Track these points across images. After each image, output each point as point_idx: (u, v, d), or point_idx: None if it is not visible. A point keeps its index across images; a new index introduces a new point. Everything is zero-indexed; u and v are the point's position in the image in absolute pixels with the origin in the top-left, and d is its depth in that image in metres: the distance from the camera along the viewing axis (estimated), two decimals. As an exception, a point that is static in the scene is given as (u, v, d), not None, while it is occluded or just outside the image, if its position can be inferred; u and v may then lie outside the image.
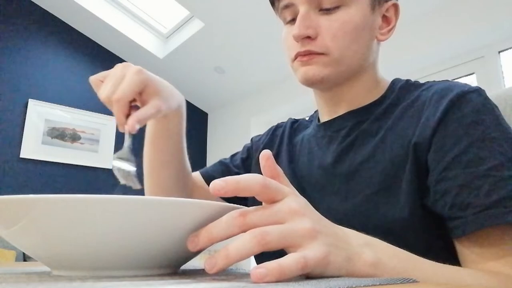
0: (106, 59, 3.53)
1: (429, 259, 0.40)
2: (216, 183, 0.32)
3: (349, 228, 0.38)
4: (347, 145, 0.59)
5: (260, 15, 2.60)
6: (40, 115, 3.16)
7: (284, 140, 0.73)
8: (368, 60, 0.61)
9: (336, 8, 0.57)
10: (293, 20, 0.60)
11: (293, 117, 0.79)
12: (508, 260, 0.44)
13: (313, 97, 0.69)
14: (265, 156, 0.37)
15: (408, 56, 2.44)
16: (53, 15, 3.35)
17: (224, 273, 0.38)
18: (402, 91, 0.60)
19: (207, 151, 4.08)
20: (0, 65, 3.05)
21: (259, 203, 0.35)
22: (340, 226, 0.37)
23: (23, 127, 3.07)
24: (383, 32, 0.61)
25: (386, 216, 0.50)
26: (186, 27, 3.25)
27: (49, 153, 3.15)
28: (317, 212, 0.36)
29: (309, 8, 0.57)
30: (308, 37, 0.57)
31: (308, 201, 0.36)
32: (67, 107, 3.28)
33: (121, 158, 0.52)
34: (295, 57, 0.59)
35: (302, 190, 0.61)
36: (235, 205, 0.35)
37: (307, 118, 0.77)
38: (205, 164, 3.60)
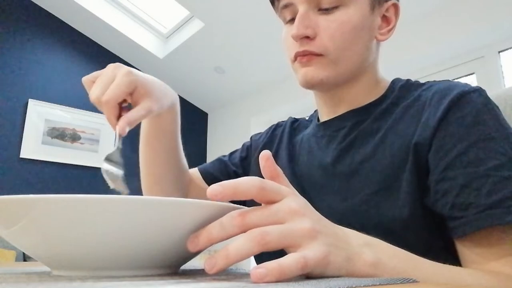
0: (106, 59, 3.53)
1: (429, 259, 0.40)
2: (213, 188, 0.32)
3: (349, 227, 0.38)
4: (347, 144, 0.59)
5: (260, 15, 2.60)
6: (40, 115, 3.16)
7: (283, 139, 0.73)
8: (367, 60, 0.61)
9: (335, 8, 0.57)
10: (292, 20, 0.60)
11: (293, 117, 0.79)
12: (508, 260, 0.44)
13: (313, 97, 0.69)
14: (265, 156, 0.37)
15: (408, 56, 2.44)
16: (53, 15, 3.35)
17: (224, 273, 0.38)
18: (403, 91, 0.60)
19: (207, 151, 4.08)
20: (0, 65, 3.05)
21: (259, 203, 0.35)
22: (340, 226, 0.37)
23: (23, 127, 3.07)
24: (382, 32, 0.61)
25: (386, 215, 0.50)
26: (186, 27, 3.25)
27: (49, 153, 3.15)
28: (317, 212, 0.36)
29: (308, 8, 0.57)
30: (307, 37, 0.57)
31: (308, 200, 0.36)
32: (67, 107, 3.28)
33: (110, 160, 0.52)
34: (295, 57, 0.59)
35: (302, 189, 0.61)
36: (235, 205, 0.35)
37: (307, 118, 0.77)
38: (205, 164, 3.59)
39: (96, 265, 0.33)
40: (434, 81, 0.60)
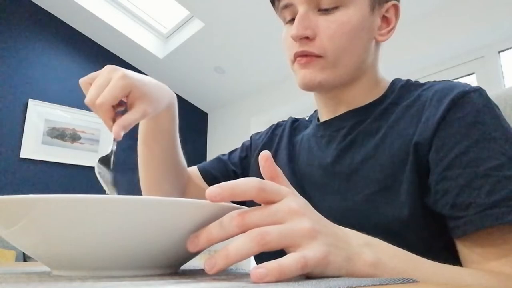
0: (106, 59, 3.53)
1: (429, 259, 0.40)
2: (212, 189, 0.32)
3: (349, 227, 0.38)
4: (347, 144, 0.59)
5: (260, 15, 2.60)
6: (40, 115, 3.16)
7: (283, 139, 0.73)
8: (366, 61, 0.60)
9: (335, 8, 0.57)
10: (292, 20, 0.60)
11: (293, 117, 0.79)
12: (509, 260, 0.44)
13: (313, 98, 0.69)
14: (264, 157, 0.37)
15: (408, 56, 2.44)
16: (53, 15, 3.35)
17: (224, 273, 0.38)
18: (403, 91, 0.60)
19: (207, 151, 4.08)
20: (0, 65, 3.05)
21: (259, 204, 0.35)
22: (340, 226, 0.37)
23: (23, 127, 3.07)
24: (382, 33, 0.61)
25: (386, 215, 0.50)
26: (186, 27, 3.25)
27: (49, 153, 3.15)
28: (317, 212, 0.36)
29: (308, 9, 0.57)
30: (306, 38, 0.57)
31: (308, 200, 0.36)
32: (67, 107, 3.28)
33: (103, 163, 0.53)
34: (294, 58, 0.59)
35: (302, 189, 0.61)
36: (235, 205, 0.35)
37: (307, 118, 0.77)
38: (205, 164, 3.59)
39: (96, 265, 0.33)
40: (434, 81, 0.60)
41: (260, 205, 0.34)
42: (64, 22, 3.40)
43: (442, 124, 0.50)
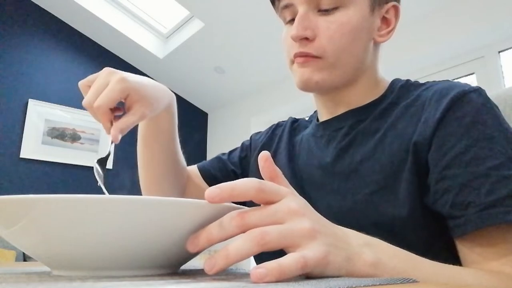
0: (106, 59, 3.53)
1: (429, 258, 0.40)
2: (211, 190, 0.32)
3: (348, 227, 0.38)
4: (346, 144, 0.59)
5: (260, 15, 2.60)
6: (40, 115, 3.16)
7: (283, 139, 0.73)
8: (365, 61, 0.61)
9: (335, 9, 0.57)
10: (292, 20, 0.60)
11: (293, 117, 0.79)
12: (509, 259, 0.44)
13: (313, 98, 0.69)
14: (264, 157, 0.37)
15: (408, 56, 2.44)
16: (53, 15, 3.35)
17: (224, 273, 0.38)
18: (402, 91, 0.60)
19: (207, 151, 4.08)
20: (0, 65, 3.05)
21: (259, 204, 0.35)
22: (339, 226, 0.37)
23: (23, 127, 3.07)
24: (382, 33, 0.61)
25: (385, 215, 0.50)
26: (186, 27, 3.25)
27: (49, 153, 3.15)
28: (317, 212, 0.36)
29: (307, 9, 0.57)
30: (306, 39, 0.57)
31: (307, 200, 0.36)
32: (67, 107, 3.28)
33: (100, 163, 0.54)
34: (294, 58, 0.59)
35: (301, 189, 0.61)
36: (235, 205, 0.35)
37: (307, 118, 0.77)
38: (205, 164, 3.59)
39: (96, 265, 0.33)
40: (434, 81, 0.60)
41: (260, 205, 0.34)
42: (64, 22, 3.40)
43: (442, 124, 0.50)
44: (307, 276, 0.32)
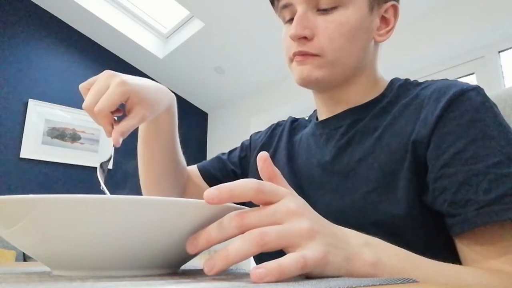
0: (106, 59, 3.53)
1: (428, 257, 0.40)
2: (210, 192, 0.32)
3: (347, 225, 0.38)
4: (345, 142, 0.59)
5: (260, 15, 2.61)
6: (40, 115, 3.16)
7: (282, 138, 0.73)
8: (364, 61, 0.61)
9: (334, 8, 0.57)
10: (292, 20, 0.60)
11: (293, 117, 0.79)
12: (508, 258, 0.44)
13: (312, 97, 0.69)
14: (262, 158, 0.37)
15: (408, 56, 2.44)
16: (53, 15, 3.35)
17: (224, 273, 0.38)
18: (401, 90, 0.61)
19: (207, 151, 4.08)
20: (0, 65, 3.05)
21: (258, 205, 0.35)
22: (339, 226, 0.37)
23: (23, 127, 3.07)
24: (381, 33, 0.61)
25: (384, 213, 0.50)
26: (186, 27, 3.25)
27: (49, 153, 3.15)
28: (316, 212, 0.36)
29: (306, 8, 0.57)
30: (305, 38, 0.57)
31: (307, 199, 0.36)
32: (67, 107, 3.28)
33: (102, 166, 0.54)
34: (293, 57, 0.59)
35: (300, 188, 0.61)
36: (235, 205, 0.35)
37: (306, 118, 0.77)
38: (205, 164, 3.59)
39: (96, 265, 0.33)
40: (433, 80, 0.60)
41: (259, 206, 0.34)
42: (64, 22, 3.40)
43: (440, 122, 0.50)
44: (307, 276, 0.32)
